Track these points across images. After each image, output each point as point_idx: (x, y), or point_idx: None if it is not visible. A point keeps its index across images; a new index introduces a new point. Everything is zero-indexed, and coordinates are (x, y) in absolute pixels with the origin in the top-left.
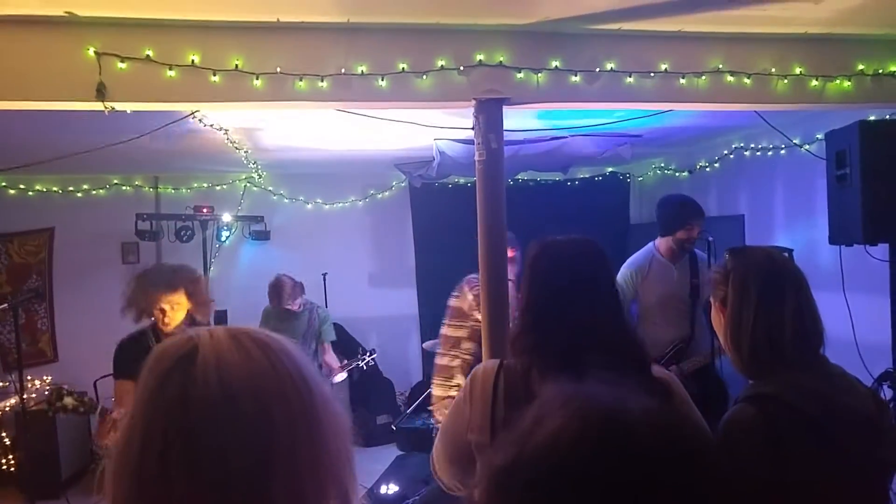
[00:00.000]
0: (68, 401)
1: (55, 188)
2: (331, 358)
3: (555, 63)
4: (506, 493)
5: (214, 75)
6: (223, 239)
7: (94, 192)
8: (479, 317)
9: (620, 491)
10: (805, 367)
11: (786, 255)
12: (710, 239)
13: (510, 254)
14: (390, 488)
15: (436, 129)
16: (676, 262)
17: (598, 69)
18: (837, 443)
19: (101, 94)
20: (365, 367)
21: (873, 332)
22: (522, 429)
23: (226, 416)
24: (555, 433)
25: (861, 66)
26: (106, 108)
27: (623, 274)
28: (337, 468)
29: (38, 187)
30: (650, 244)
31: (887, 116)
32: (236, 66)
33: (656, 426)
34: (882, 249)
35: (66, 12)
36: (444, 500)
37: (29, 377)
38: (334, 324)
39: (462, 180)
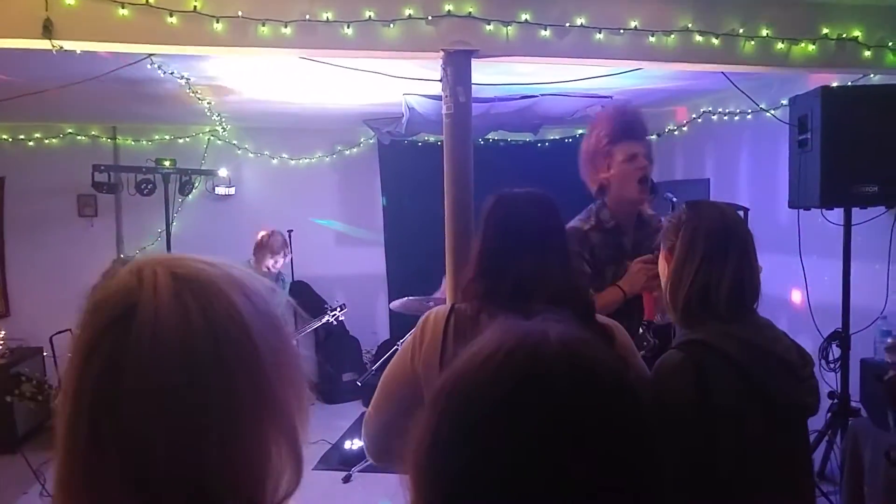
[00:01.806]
0: (26, 387)
1: (5, 136)
2: None
3: (525, 16)
4: (433, 408)
5: (171, 16)
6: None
7: (46, 141)
8: None
9: (523, 404)
10: (734, 319)
11: (740, 213)
12: (674, 199)
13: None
14: (354, 444)
15: (404, 80)
16: None
17: (567, 24)
18: (762, 387)
19: (47, 31)
20: (335, 322)
21: (825, 294)
22: (460, 355)
23: (156, 390)
24: (475, 352)
25: (825, 31)
26: (53, 46)
27: None
28: (285, 423)
29: None
30: None
31: (849, 83)
32: (195, 7)
33: (568, 349)
34: (837, 213)
35: None
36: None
37: None
38: (300, 282)
39: (432, 138)
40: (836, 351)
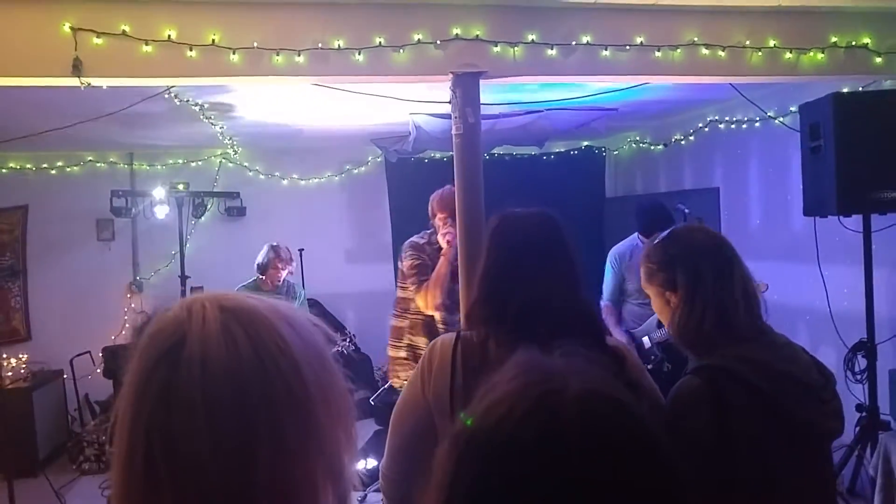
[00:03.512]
0: (89, 452)
1: (29, 165)
2: None
3: (531, 36)
4: (453, 455)
5: (191, 50)
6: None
7: (68, 169)
8: (410, 283)
9: (541, 465)
10: (751, 339)
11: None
12: (687, 211)
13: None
14: (368, 463)
15: (412, 102)
16: None
17: (574, 42)
18: (782, 411)
19: (77, 69)
20: (344, 352)
21: (847, 303)
22: (479, 396)
23: (205, 422)
24: (495, 402)
25: (834, 39)
26: (82, 83)
27: (608, 261)
28: (332, 459)
29: (11, 165)
30: (635, 234)
31: (860, 88)
32: (213, 40)
33: (587, 407)
34: (856, 220)
35: None
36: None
37: (4, 355)
38: (312, 300)
39: (438, 155)
40: (861, 362)
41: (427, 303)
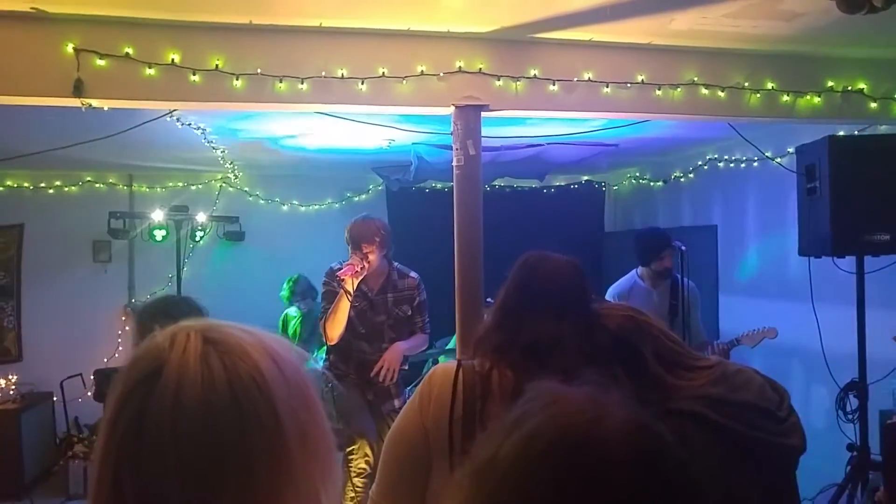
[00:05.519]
0: (79, 448)
1: (26, 184)
2: None
3: (534, 71)
4: (482, 487)
5: (194, 75)
6: (197, 239)
7: (66, 188)
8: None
9: (591, 493)
10: (696, 372)
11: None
12: (683, 248)
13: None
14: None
15: (414, 133)
16: (658, 287)
17: (575, 79)
18: (745, 441)
19: (78, 90)
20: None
21: (840, 343)
22: (506, 424)
23: (173, 452)
24: (531, 435)
25: (830, 83)
26: (83, 104)
27: (607, 299)
28: (306, 496)
29: (8, 182)
30: (633, 271)
31: (856, 132)
32: (216, 66)
33: (630, 443)
34: (849, 262)
35: (32, 8)
36: None
37: None
38: None
39: (439, 185)
40: (853, 402)
41: (325, 333)
